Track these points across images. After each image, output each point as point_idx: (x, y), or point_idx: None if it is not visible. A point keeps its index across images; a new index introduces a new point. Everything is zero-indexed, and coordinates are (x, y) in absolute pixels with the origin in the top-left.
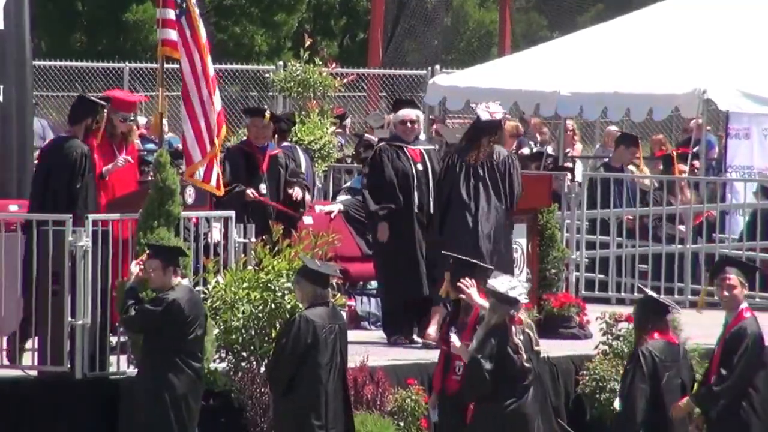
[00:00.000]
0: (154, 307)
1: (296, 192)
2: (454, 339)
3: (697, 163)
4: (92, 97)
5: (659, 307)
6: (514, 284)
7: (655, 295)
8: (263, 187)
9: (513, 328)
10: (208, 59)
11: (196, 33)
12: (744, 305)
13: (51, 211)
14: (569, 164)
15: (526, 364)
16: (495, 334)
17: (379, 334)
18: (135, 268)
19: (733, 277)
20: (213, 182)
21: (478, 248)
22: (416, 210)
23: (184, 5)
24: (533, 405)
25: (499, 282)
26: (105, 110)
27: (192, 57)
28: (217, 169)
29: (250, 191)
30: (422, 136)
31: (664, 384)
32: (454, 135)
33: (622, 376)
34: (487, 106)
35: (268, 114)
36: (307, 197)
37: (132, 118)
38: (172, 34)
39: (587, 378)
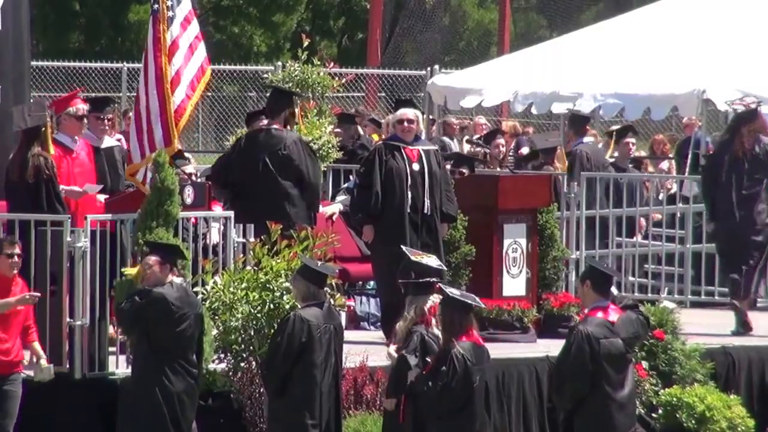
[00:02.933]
0: (140, 299)
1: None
2: (391, 350)
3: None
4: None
5: (462, 305)
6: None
7: (456, 293)
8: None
9: (431, 317)
10: (175, 59)
11: (158, 33)
12: (594, 305)
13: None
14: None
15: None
16: (416, 330)
17: (378, 334)
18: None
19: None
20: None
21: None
22: (409, 210)
23: (156, 6)
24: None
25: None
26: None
27: (147, 57)
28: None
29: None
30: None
31: (476, 386)
32: (545, 140)
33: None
34: (742, 100)
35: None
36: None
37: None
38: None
39: None
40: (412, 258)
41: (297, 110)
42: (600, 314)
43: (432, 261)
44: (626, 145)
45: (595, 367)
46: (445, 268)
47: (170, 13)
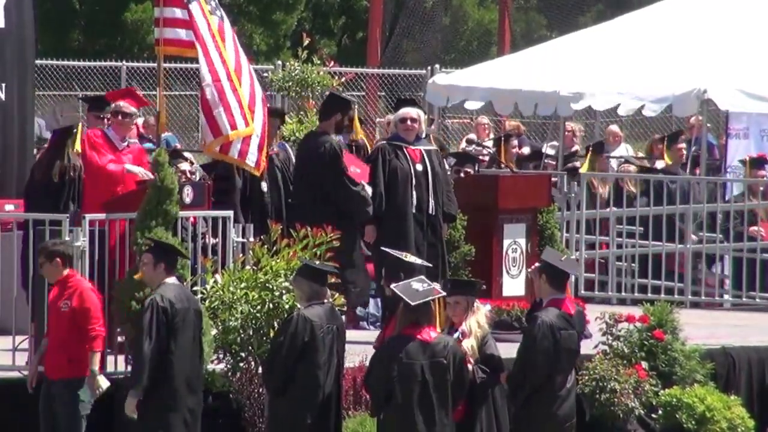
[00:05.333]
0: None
1: None
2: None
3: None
4: (343, 95)
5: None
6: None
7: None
8: (264, 186)
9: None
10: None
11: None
12: (551, 297)
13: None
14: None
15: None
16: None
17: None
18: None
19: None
20: (251, 161)
21: None
22: (414, 210)
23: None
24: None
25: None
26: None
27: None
28: (255, 148)
29: None
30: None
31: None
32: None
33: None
34: None
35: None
36: None
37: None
38: (171, 33)
39: (587, 378)
40: (397, 256)
41: (355, 117)
42: (557, 306)
43: (415, 259)
44: (678, 151)
45: (555, 357)
46: (429, 265)
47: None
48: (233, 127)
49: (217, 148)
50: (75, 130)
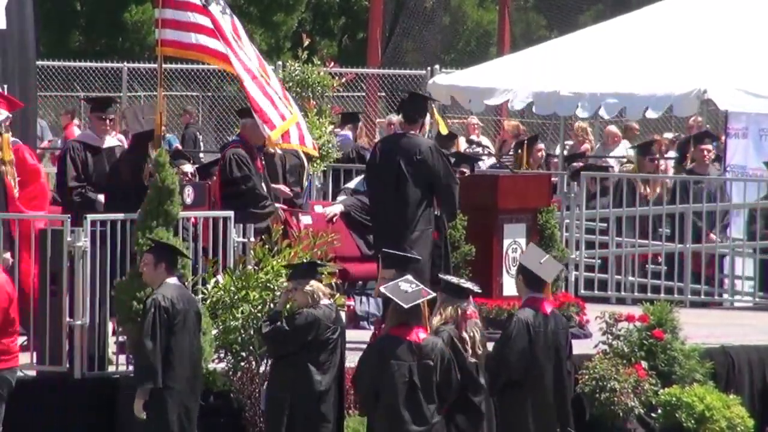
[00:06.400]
0: (145, 314)
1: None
2: None
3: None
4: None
5: None
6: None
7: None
8: (263, 186)
9: (464, 322)
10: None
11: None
12: (529, 296)
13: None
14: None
15: (472, 360)
16: (443, 330)
17: None
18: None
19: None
20: (309, 144)
21: None
22: None
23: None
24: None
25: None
26: None
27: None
28: (306, 132)
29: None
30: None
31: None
32: None
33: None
34: None
35: None
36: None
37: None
38: (171, 35)
39: (587, 377)
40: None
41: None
42: (534, 306)
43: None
44: (702, 152)
45: (531, 356)
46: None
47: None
48: (282, 117)
49: (280, 140)
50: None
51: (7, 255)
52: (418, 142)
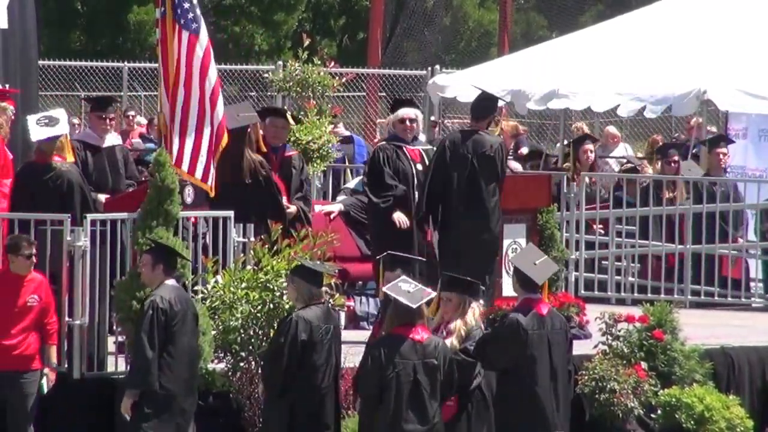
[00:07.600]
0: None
1: (291, 209)
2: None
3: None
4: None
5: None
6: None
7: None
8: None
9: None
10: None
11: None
12: (525, 297)
13: None
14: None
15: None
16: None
17: None
18: None
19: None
20: (210, 182)
21: None
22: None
23: (163, 8)
24: None
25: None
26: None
27: (179, 64)
28: (212, 170)
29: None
30: (422, 137)
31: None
32: None
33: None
34: None
35: (289, 115)
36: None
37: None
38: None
39: (587, 378)
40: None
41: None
42: (529, 307)
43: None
44: (717, 155)
45: (520, 357)
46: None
47: (194, 25)
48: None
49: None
50: (249, 130)
51: None
52: (488, 138)
